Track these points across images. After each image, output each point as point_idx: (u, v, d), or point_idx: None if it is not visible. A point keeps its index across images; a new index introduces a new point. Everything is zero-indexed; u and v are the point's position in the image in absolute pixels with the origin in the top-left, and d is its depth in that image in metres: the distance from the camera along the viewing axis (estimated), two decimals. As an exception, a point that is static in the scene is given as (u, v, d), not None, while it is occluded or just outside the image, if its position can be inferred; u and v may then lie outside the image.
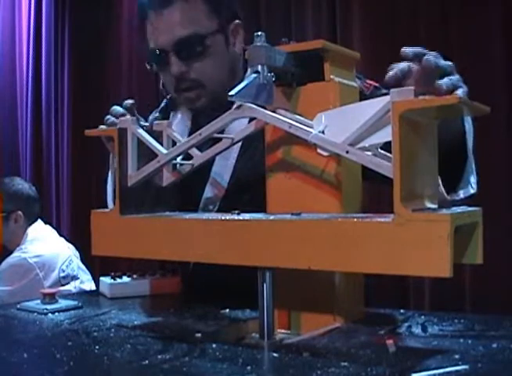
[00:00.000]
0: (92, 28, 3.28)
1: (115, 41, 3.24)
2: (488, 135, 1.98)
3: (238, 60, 1.24)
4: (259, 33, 0.85)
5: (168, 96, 1.36)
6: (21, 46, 3.58)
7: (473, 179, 1.02)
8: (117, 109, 1.12)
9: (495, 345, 0.81)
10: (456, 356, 0.76)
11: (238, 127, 0.92)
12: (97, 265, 2.63)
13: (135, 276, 1.28)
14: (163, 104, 1.42)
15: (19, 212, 2.27)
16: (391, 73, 0.94)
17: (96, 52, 3.25)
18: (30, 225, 2.29)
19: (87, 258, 2.34)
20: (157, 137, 0.96)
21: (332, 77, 0.90)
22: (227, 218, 0.82)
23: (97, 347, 0.85)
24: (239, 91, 0.82)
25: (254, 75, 0.84)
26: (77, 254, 2.33)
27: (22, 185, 2.36)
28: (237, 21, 1.22)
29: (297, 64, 0.90)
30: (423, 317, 0.99)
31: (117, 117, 1.08)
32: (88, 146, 2.91)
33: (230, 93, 0.82)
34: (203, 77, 1.18)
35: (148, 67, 1.21)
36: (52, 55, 3.45)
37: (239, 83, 0.79)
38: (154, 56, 1.18)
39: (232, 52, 1.21)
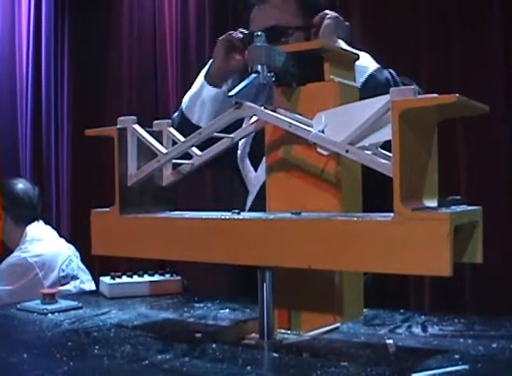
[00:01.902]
0: (92, 28, 3.28)
1: (115, 41, 3.23)
2: (487, 135, 1.98)
3: None
4: (259, 33, 0.85)
5: None
6: (21, 46, 3.58)
7: None
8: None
9: (495, 345, 0.81)
10: (456, 356, 0.76)
11: None
12: (97, 265, 2.63)
13: (134, 276, 1.28)
14: None
15: (17, 211, 2.27)
16: None
17: (96, 52, 3.25)
18: (29, 224, 2.29)
19: (87, 258, 2.33)
20: (157, 137, 0.96)
21: (332, 77, 0.90)
22: (227, 217, 0.82)
23: (97, 347, 0.85)
24: (240, 91, 0.82)
25: (254, 75, 0.84)
26: (77, 254, 2.33)
27: (20, 184, 2.36)
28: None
29: (297, 64, 0.90)
30: (423, 317, 0.99)
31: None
32: (88, 146, 2.91)
33: (230, 93, 0.82)
34: None
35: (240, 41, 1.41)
36: (51, 55, 3.45)
37: None
38: (246, 38, 1.38)
39: None
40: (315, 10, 1.36)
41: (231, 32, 1.41)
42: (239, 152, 1.44)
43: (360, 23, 2.26)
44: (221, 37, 1.42)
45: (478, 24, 2.02)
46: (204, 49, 2.73)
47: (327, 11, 1.36)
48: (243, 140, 1.37)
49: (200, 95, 1.42)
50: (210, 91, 1.41)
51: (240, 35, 1.39)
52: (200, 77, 1.45)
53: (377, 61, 1.39)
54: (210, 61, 1.44)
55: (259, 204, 1.00)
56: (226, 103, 1.13)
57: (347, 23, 1.42)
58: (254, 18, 1.40)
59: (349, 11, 2.29)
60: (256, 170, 1.39)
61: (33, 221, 2.30)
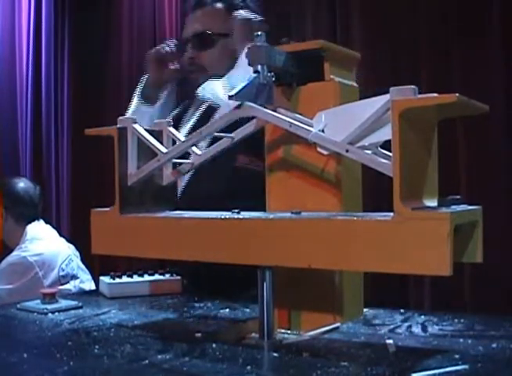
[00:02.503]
0: (92, 28, 3.28)
1: (115, 41, 3.23)
2: (487, 135, 1.98)
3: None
4: (259, 33, 0.85)
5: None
6: (21, 46, 3.57)
7: None
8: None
9: (495, 345, 0.81)
10: (456, 356, 0.76)
11: None
12: (97, 265, 2.63)
13: (134, 276, 1.28)
14: None
15: (18, 209, 2.27)
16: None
17: (96, 51, 3.25)
18: (30, 223, 2.29)
19: (87, 258, 2.33)
20: (157, 136, 0.96)
21: (332, 76, 0.90)
22: (227, 217, 0.82)
23: (97, 347, 0.85)
24: (240, 91, 0.82)
25: (254, 75, 0.84)
26: (77, 253, 2.33)
27: (20, 183, 2.36)
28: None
29: (297, 64, 0.90)
30: (423, 317, 0.99)
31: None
32: (88, 146, 2.91)
33: (230, 93, 0.82)
34: (206, 64, 1.47)
35: (174, 47, 1.54)
36: (51, 55, 3.45)
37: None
38: (179, 43, 1.53)
39: (235, 52, 1.42)
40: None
41: (158, 46, 1.54)
42: None
43: (360, 23, 2.26)
44: (149, 52, 1.56)
45: (478, 24, 2.02)
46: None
47: (239, 12, 1.44)
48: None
49: (135, 114, 1.53)
50: (145, 110, 1.57)
51: (167, 48, 1.53)
52: (135, 98, 1.60)
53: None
54: (143, 78, 1.58)
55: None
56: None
57: (259, 19, 1.48)
58: (186, 24, 1.53)
59: (349, 11, 2.30)
60: None
61: (33, 220, 2.30)
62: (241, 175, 1.39)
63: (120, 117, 0.96)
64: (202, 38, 1.47)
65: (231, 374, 0.72)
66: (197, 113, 1.51)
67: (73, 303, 1.13)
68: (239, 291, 1.18)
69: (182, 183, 1.42)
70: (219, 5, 1.49)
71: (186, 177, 1.43)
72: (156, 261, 1.41)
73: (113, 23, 3.26)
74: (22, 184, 2.35)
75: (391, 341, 0.82)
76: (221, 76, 1.41)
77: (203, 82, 1.45)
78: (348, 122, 0.74)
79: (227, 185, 1.37)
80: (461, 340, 0.85)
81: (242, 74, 0.99)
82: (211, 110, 1.37)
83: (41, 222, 2.34)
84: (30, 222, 2.29)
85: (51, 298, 1.12)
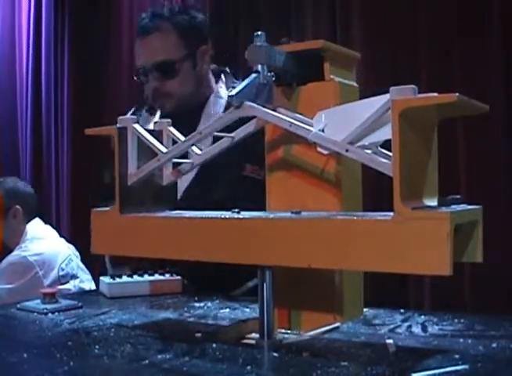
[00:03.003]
0: (92, 28, 3.28)
1: (115, 41, 3.24)
2: (487, 135, 1.98)
3: (205, 76, 1.53)
4: (259, 33, 0.85)
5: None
6: (21, 46, 3.58)
7: None
8: None
9: (495, 345, 0.81)
10: (456, 356, 0.76)
11: None
12: (97, 265, 2.63)
13: (134, 275, 1.28)
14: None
15: (17, 206, 2.27)
16: None
17: (96, 51, 3.25)
18: (29, 221, 2.29)
19: (87, 258, 2.33)
20: (157, 136, 0.96)
21: (332, 76, 0.90)
22: (227, 216, 0.82)
23: (97, 347, 0.85)
24: (240, 91, 0.82)
25: (254, 75, 0.84)
26: (77, 253, 2.33)
27: (17, 182, 2.36)
28: (204, 46, 1.50)
29: (297, 64, 0.90)
30: (423, 317, 0.99)
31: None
32: (88, 146, 2.91)
33: (230, 93, 0.82)
34: (172, 91, 1.48)
35: (135, 78, 1.53)
36: (51, 55, 3.45)
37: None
38: (138, 72, 1.51)
39: (198, 71, 1.50)
40: (194, 31, 1.48)
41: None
42: None
43: (360, 23, 2.26)
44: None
45: (478, 24, 2.02)
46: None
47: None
48: None
49: None
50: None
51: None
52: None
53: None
54: None
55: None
56: None
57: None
58: (138, 52, 1.51)
59: (349, 11, 2.30)
60: None
61: (33, 218, 2.30)
62: (246, 183, 1.42)
63: (120, 117, 0.96)
64: (163, 68, 1.45)
65: (231, 374, 0.72)
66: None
67: (73, 303, 1.13)
68: (233, 287, 1.20)
69: (182, 187, 1.42)
70: (166, 26, 1.46)
71: (188, 181, 1.44)
72: (156, 261, 1.41)
73: (113, 23, 3.26)
74: (13, 182, 2.35)
75: (391, 341, 0.82)
76: (186, 98, 1.47)
77: (169, 107, 1.49)
78: (348, 122, 0.74)
79: (231, 192, 1.39)
80: (461, 340, 0.85)
81: None
82: None
83: (40, 221, 2.34)
84: (28, 220, 2.29)
85: (51, 297, 1.12)
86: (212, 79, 1.55)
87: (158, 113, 1.57)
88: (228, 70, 1.60)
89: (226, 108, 1.44)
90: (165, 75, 1.46)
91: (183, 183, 1.43)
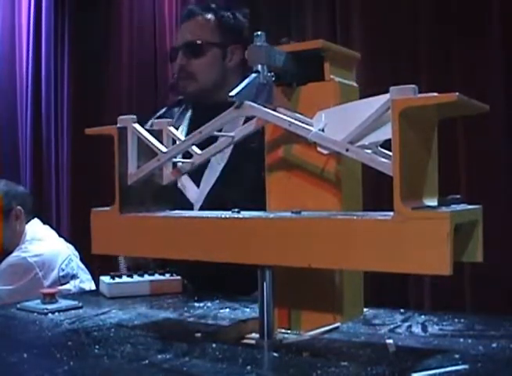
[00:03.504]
0: (92, 28, 3.28)
1: (115, 41, 3.23)
2: (487, 135, 1.98)
3: (232, 73, 1.55)
4: (259, 33, 0.85)
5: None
6: (21, 46, 3.58)
7: None
8: None
9: (495, 345, 0.81)
10: (456, 356, 0.76)
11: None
12: (97, 265, 2.63)
13: (134, 275, 1.28)
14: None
15: (19, 207, 2.26)
16: None
17: (96, 51, 3.25)
18: (28, 222, 2.29)
19: (87, 258, 2.33)
20: (157, 136, 0.96)
21: (332, 76, 0.90)
22: (227, 216, 0.82)
23: (97, 347, 0.85)
24: (240, 91, 0.82)
25: (254, 75, 0.84)
26: (77, 253, 2.33)
27: (11, 184, 2.36)
28: (238, 45, 1.53)
29: (297, 64, 0.90)
30: (423, 317, 0.99)
31: None
32: (88, 145, 2.91)
33: (230, 94, 0.82)
34: (196, 72, 1.52)
35: (169, 61, 1.62)
36: (51, 55, 3.45)
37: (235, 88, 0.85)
38: (171, 52, 1.59)
39: (226, 64, 1.54)
40: (234, 29, 1.54)
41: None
42: None
43: (360, 23, 2.26)
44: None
45: (478, 24, 2.02)
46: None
47: None
48: None
49: None
50: None
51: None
52: None
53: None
54: None
55: None
56: None
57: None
58: (178, 35, 1.62)
59: (349, 11, 2.29)
60: (198, 185, 1.49)
61: (32, 219, 2.30)
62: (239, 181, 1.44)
63: (120, 117, 0.96)
64: (192, 47, 1.53)
65: (231, 374, 0.72)
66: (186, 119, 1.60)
67: (73, 303, 1.13)
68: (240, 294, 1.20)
69: (205, 191, 1.47)
70: (209, 16, 1.55)
71: (209, 185, 1.48)
72: (156, 261, 1.41)
73: (113, 23, 3.26)
74: (9, 184, 2.34)
75: (391, 341, 0.82)
76: (209, 85, 1.52)
77: (192, 90, 1.54)
78: (348, 121, 0.74)
79: (252, 194, 1.39)
80: (461, 340, 0.85)
81: None
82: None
83: (39, 221, 2.34)
84: (28, 221, 2.29)
85: (51, 298, 1.12)
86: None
87: (189, 113, 1.61)
88: None
89: None
90: (192, 53, 1.52)
91: (204, 188, 1.48)
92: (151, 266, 1.36)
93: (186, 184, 1.50)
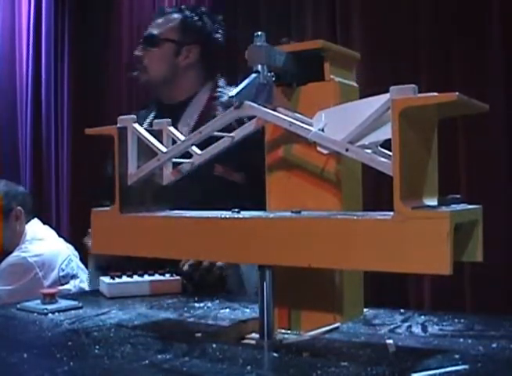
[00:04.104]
0: (92, 28, 3.28)
1: (115, 41, 3.23)
2: (487, 135, 1.98)
3: (184, 71, 1.61)
4: (259, 33, 0.85)
5: None
6: (21, 46, 3.57)
7: None
8: None
9: (495, 345, 0.81)
10: (456, 356, 0.76)
11: None
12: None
13: (134, 276, 1.27)
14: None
15: (19, 208, 2.26)
16: None
17: (96, 51, 3.25)
18: (28, 222, 2.29)
19: (86, 258, 2.33)
20: (157, 136, 0.96)
21: (332, 76, 0.90)
22: (227, 216, 0.82)
23: (97, 347, 0.85)
24: (240, 91, 0.82)
25: (254, 75, 0.84)
26: (76, 253, 2.32)
27: (11, 184, 2.36)
28: (196, 46, 1.60)
29: (297, 64, 0.90)
30: (423, 317, 0.99)
31: None
32: (87, 145, 2.91)
33: (230, 94, 0.82)
34: (148, 63, 1.60)
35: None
36: (52, 55, 3.45)
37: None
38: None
39: (178, 62, 1.60)
40: (195, 30, 1.61)
41: None
42: None
43: (360, 23, 2.26)
44: None
45: (478, 24, 2.02)
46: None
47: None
48: None
49: None
50: None
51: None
52: None
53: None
54: None
55: None
56: None
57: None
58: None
59: (349, 11, 2.29)
60: None
61: (32, 219, 2.30)
62: (216, 183, 1.46)
63: (120, 117, 0.96)
64: (148, 39, 1.61)
65: (231, 374, 0.72)
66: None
67: (73, 303, 1.13)
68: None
69: None
70: (176, 15, 1.63)
71: None
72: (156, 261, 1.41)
73: (113, 23, 3.26)
74: (9, 185, 2.34)
75: (391, 341, 0.82)
76: (158, 79, 1.59)
77: (143, 81, 1.62)
78: (348, 121, 0.74)
79: (203, 192, 1.42)
80: (461, 340, 0.85)
81: None
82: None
83: (38, 221, 2.33)
84: (28, 221, 2.28)
85: (51, 298, 1.12)
86: (197, 82, 1.63)
87: (152, 114, 1.66)
88: (219, 76, 1.66)
89: (202, 113, 1.55)
90: (148, 45, 1.60)
91: None
92: (126, 266, 1.35)
93: None
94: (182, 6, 1.66)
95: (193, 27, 1.61)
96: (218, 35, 1.64)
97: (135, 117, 0.96)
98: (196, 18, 1.62)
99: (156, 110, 1.66)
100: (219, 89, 1.60)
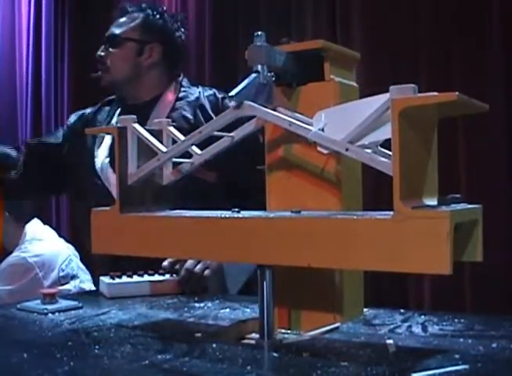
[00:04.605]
0: (92, 28, 3.28)
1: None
2: (487, 135, 1.98)
3: (147, 71, 1.60)
4: (259, 33, 0.85)
5: None
6: (21, 46, 3.57)
7: None
8: None
9: (495, 345, 0.81)
10: (456, 356, 0.76)
11: None
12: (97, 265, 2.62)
13: (134, 276, 1.27)
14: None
15: (7, 214, 2.26)
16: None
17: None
18: (27, 222, 2.29)
19: (86, 258, 2.33)
20: (157, 135, 0.96)
21: (332, 76, 0.90)
22: (227, 216, 0.82)
23: (97, 347, 0.85)
24: (240, 91, 0.82)
25: (254, 75, 0.84)
26: (77, 253, 2.32)
27: None
28: (157, 44, 1.60)
29: (297, 64, 0.90)
30: (423, 317, 0.99)
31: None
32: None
33: (230, 94, 0.82)
34: (110, 63, 1.60)
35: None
36: (51, 55, 3.45)
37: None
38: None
39: (141, 61, 1.59)
40: (157, 29, 1.60)
41: None
42: (98, 164, 1.56)
43: (360, 23, 2.26)
44: None
45: (478, 24, 2.02)
46: (204, 48, 2.73)
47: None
48: (103, 150, 1.55)
49: None
50: None
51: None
52: None
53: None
54: None
55: None
56: None
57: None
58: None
59: (349, 11, 2.30)
60: None
61: (32, 219, 2.30)
62: (189, 182, 1.42)
63: (121, 117, 0.96)
64: (110, 39, 1.61)
65: (231, 374, 0.72)
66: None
67: (73, 303, 1.13)
68: None
69: None
70: (137, 14, 1.62)
71: None
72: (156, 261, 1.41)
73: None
74: None
75: (391, 341, 0.82)
76: (120, 78, 1.58)
77: (105, 81, 1.61)
78: (348, 121, 0.74)
79: (180, 191, 1.39)
80: (461, 340, 0.85)
81: None
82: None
83: (39, 222, 2.33)
84: (28, 221, 2.28)
85: (51, 298, 1.12)
86: (161, 82, 1.62)
87: (117, 112, 1.65)
88: (181, 75, 1.66)
89: (170, 113, 1.54)
90: (110, 45, 1.61)
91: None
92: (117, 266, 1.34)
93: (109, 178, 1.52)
94: (143, 5, 1.64)
95: (155, 25, 1.61)
96: (179, 34, 1.64)
97: (135, 117, 0.96)
98: (157, 16, 1.62)
99: (121, 110, 1.64)
100: (183, 89, 1.60)
